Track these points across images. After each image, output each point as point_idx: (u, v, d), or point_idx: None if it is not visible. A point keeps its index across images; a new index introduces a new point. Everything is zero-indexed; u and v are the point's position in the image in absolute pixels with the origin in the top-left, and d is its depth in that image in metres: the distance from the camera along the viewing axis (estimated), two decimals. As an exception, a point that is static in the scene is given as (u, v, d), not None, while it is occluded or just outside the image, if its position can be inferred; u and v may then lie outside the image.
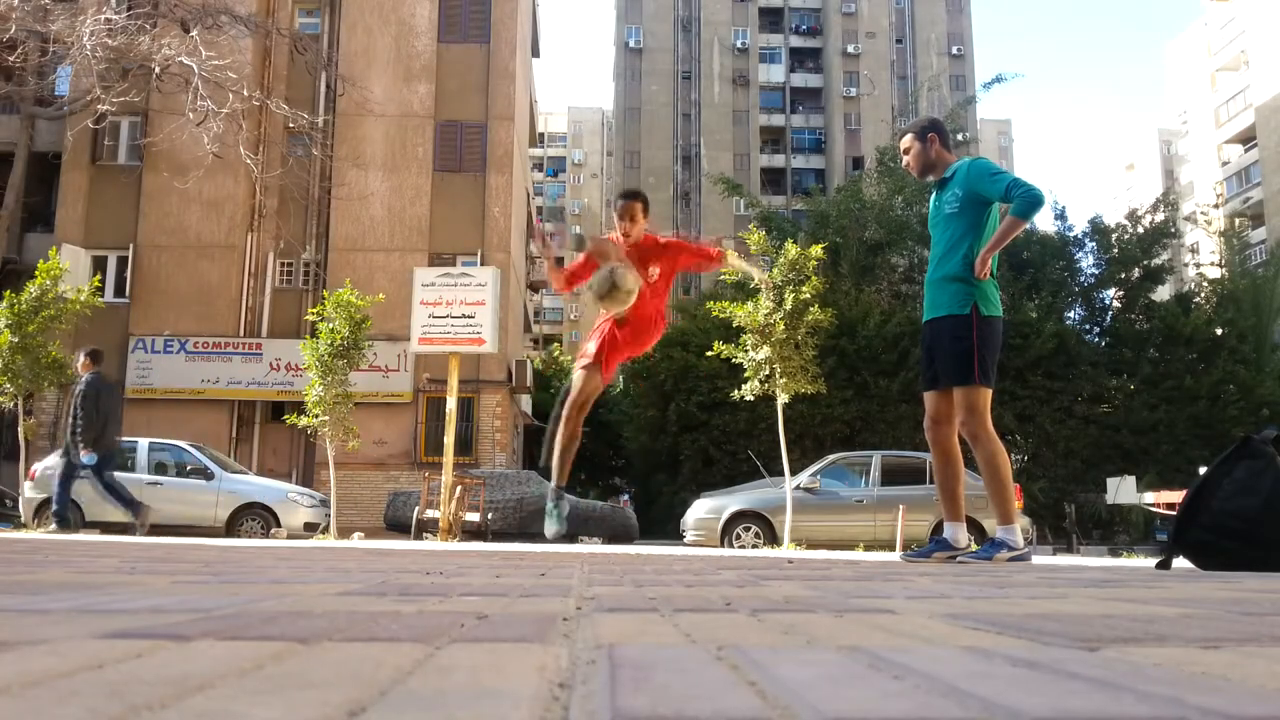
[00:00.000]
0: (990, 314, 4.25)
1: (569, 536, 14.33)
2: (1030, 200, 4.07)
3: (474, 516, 12.73)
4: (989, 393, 4.29)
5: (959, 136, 27.90)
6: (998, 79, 28.44)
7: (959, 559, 4.37)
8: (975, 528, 11.48)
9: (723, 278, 14.07)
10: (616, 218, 5.14)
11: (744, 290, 13.86)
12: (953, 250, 4.30)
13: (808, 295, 11.84)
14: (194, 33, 18.60)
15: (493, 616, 1.24)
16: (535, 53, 28.05)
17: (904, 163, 4.62)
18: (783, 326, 11.73)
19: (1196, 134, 60.52)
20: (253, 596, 1.57)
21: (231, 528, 12.37)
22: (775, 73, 55.13)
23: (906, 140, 4.56)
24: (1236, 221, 34.72)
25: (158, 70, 18.26)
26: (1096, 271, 23.93)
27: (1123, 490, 15.94)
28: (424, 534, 12.36)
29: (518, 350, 23.98)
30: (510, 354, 20.53)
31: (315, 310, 13.64)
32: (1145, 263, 23.41)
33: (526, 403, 23.96)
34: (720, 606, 1.47)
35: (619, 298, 4.64)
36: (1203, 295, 24.06)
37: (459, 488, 12.13)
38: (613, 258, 4.88)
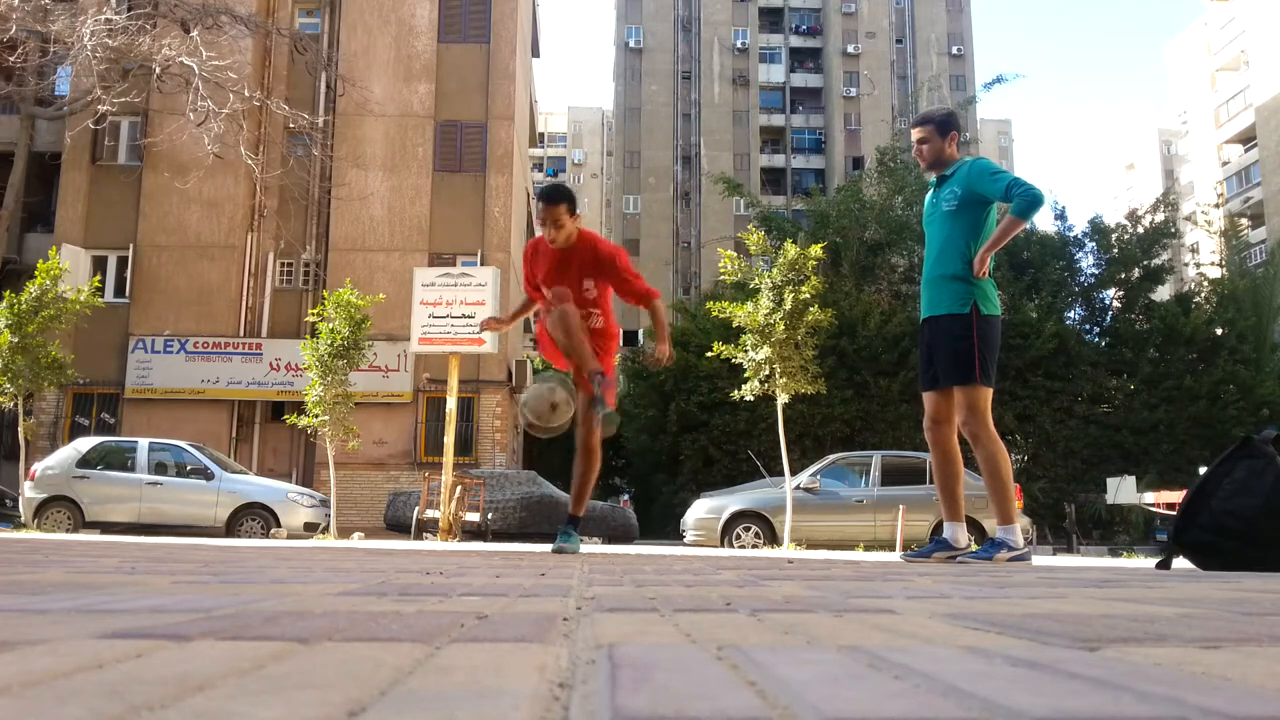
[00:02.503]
0: (990, 313, 4.25)
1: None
2: (1030, 200, 4.06)
3: (474, 516, 12.74)
4: (989, 392, 4.28)
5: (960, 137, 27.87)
6: (998, 79, 28.52)
7: (959, 559, 4.38)
8: (975, 528, 11.49)
9: (721, 277, 14.07)
10: (538, 222, 4.79)
11: (744, 290, 13.86)
12: (951, 249, 4.28)
13: (807, 295, 11.85)
14: (194, 33, 18.62)
15: (493, 616, 1.24)
16: (535, 53, 28.04)
17: (915, 150, 4.53)
18: (782, 326, 11.74)
19: (1196, 134, 60.50)
20: (253, 596, 1.57)
21: (231, 528, 12.37)
22: (775, 73, 55.12)
23: (925, 130, 4.44)
24: (1239, 221, 34.69)
25: (158, 70, 18.27)
26: (1096, 271, 23.93)
27: (1123, 490, 15.94)
28: (424, 534, 12.36)
29: (518, 350, 23.97)
30: (510, 354, 20.52)
31: (315, 310, 13.66)
32: (1145, 263, 23.41)
33: (526, 403, 23.91)
34: (720, 606, 1.47)
35: (551, 416, 4.50)
36: (1203, 295, 24.05)
37: (459, 488, 12.13)
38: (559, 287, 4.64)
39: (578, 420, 4.78)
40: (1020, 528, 4.39)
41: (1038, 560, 5.16)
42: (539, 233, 4.81)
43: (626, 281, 4.91)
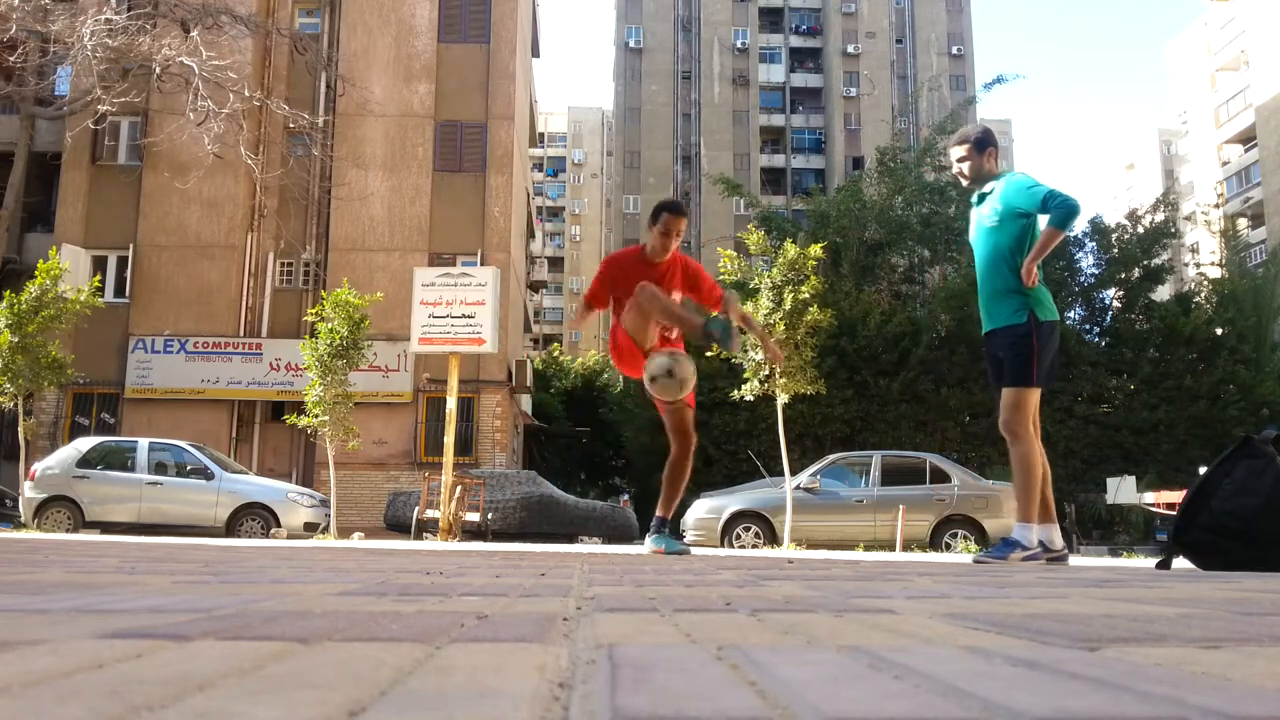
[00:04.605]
0: (1047, 318, 4.40)
1: (568, 537, 14.33)
2: (1067, 211, 4.23)
3: (474, 516, 12.74)
4: (1037, 393, 4.44)
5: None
6: (998, 79, 28.44)
7: (1041, 558, 4.37)
8: (975, 527, 11.50)
9: (721, 277, 14.06)
10: (656, 232, 4.75)
11: (743, 290, 13.86)
12: (1000, 263, 4.44)
13: (806, 295, 11.84)
14: (194, 33, 18.62)
15: (493, 616, 1.24)
16: (535, 53, 28.05)
17: (955, 170, 4.74)
18: (782, 326, 11.74)
19: (1196, 134, 60.50)
20: (253, 596, 1.57)
21: (231, 528, 12.37)
22: (775, 73, 55.11)
23: (964, 150, 4.63)
24: (1239, 222, 34.67)
25: (158, 70, 18.28)
26: (1096, 271, 23.91)
27: (1123, 490, 15.93)
28: (424, 534, 12.36)
29: (518, 350, 23.97)
30: (510, 354, 20.52)
31: (314, 310, 13.65)
32: (1145, 263, 23.39)
33: (526, 403, 23.96)
34: (720, 606, 1.47)
35: (672, 388, 4.50)
36: (1203, 295, 24.03)
37: (459, 488, 12.13)
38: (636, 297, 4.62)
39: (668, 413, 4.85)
40: (1036, 528, 4.43)
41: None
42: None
43: (714, 289, 5.04)
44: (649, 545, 4.98)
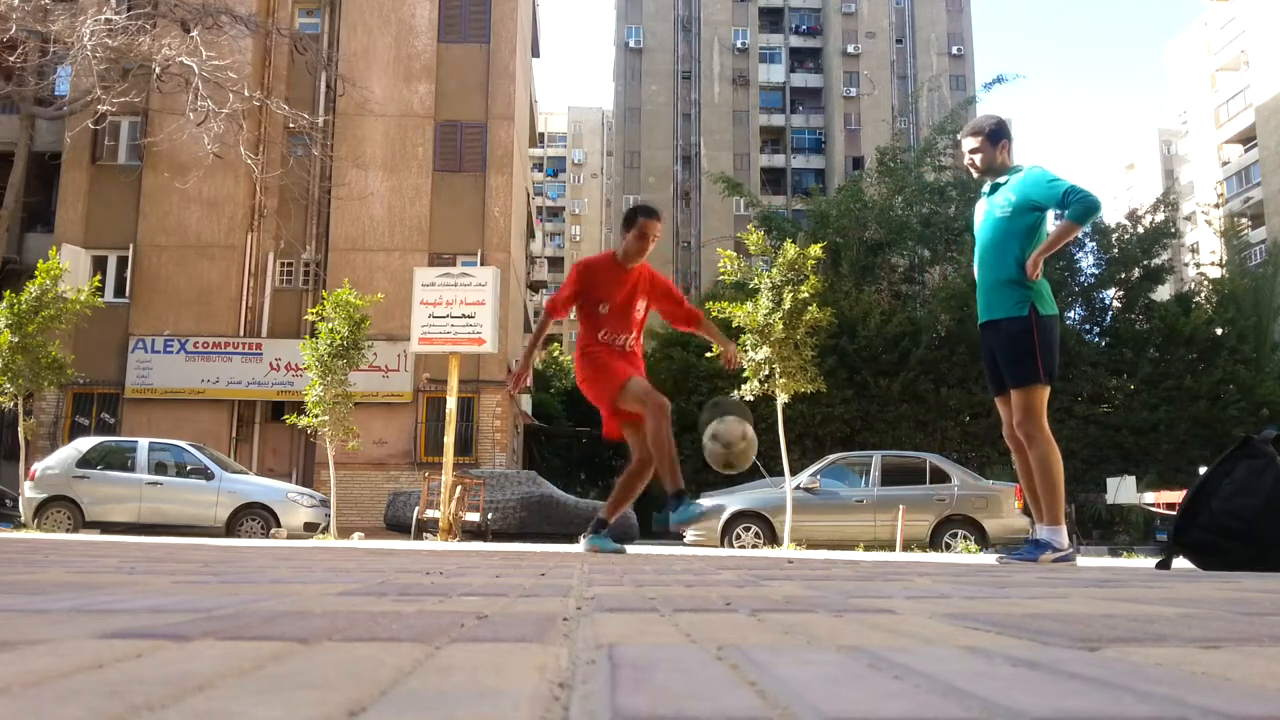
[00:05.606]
0: (1047, 313, 4.32)
1: (568, 537, 14.32)
2: (1087, 206, 4.17)
3: (474, 516, 12.74)
4: (1046, 391, 4.35)
5: (958, 136, 27.82)
6: (998, 79, 28.47)
7: (1074, 559, 4.33)
8: (975, 528, 11.50)
9: (721, 277, 14.07)
10: (633, 235, 4.82)
11: (743, 290, 13.86)
12: (1005, 254, 4.35)
13: (806, 295, 11.84)
14: (194, 33, 18.63)
15: (493, 616, 1.24)
16: (535, 53, 28.05)
17: (967, 160, 4.63)
18: (781, 326, 11.73)
19: (1196, 134, 60.49)
20: (253, 596, 1.57)
21: (231, 528, 12.36)
22: (775, 73, 55.11)
23: (977, 141, 4.53)
24: (1239, 222, 34.64)
25: (158, 70, 18.28)
26: (1096, 271, 23.93)
27: (1123, 490, 15.93)
28: (424, 534, 12.36)
29: (518, 350, 23.97)
30: (510, 354, 20.52)
31: (314, 310, 13.65)
32: (1145, 263, 23.41)
33: (527, 402, 23.96)
34: (720, 606, 1.47)
35: (742, 451, 4.59)
36: (1203, 295, 24.04)
37: (459, 488, 12.13)
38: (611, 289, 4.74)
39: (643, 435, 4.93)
40: (1065, 529, 4.37)
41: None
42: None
43: (681, 303, 5.08)
44: (583, 545, 5.00)
